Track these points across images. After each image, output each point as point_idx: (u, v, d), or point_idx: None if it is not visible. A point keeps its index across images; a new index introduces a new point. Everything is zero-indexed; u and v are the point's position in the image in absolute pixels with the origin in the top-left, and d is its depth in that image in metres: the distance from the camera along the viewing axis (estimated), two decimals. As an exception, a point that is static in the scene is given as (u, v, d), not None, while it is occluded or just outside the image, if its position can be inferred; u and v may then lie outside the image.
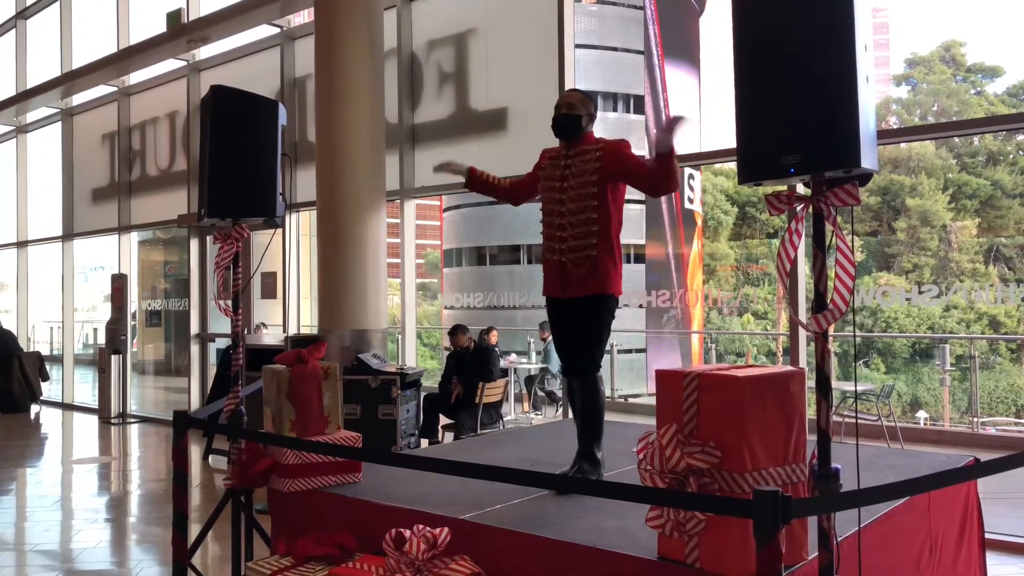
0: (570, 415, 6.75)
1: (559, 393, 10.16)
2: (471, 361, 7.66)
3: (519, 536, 2.76)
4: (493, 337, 9.68)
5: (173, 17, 9.50)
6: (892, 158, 28.08)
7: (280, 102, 4.07)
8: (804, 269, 5.74)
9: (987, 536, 4.18)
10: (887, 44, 42.33)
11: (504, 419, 7.90)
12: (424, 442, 7.18)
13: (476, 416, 7.27)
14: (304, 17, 9.01)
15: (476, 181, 3.83)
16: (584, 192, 3.43)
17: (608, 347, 4.42)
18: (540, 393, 11.60)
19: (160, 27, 9.72)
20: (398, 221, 8.08)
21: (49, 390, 12.68)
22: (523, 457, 4.08)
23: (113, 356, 10.56)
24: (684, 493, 2.27)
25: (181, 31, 9.38)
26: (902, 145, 27.59)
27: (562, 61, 6.80)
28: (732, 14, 2.41)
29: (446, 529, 2.78)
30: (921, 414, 21.20)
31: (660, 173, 3.32)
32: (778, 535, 1.89)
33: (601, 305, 3.47)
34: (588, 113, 3.58)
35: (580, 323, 3.50)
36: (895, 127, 25.85)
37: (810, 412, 2.40)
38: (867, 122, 2.19)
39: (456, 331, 7.92)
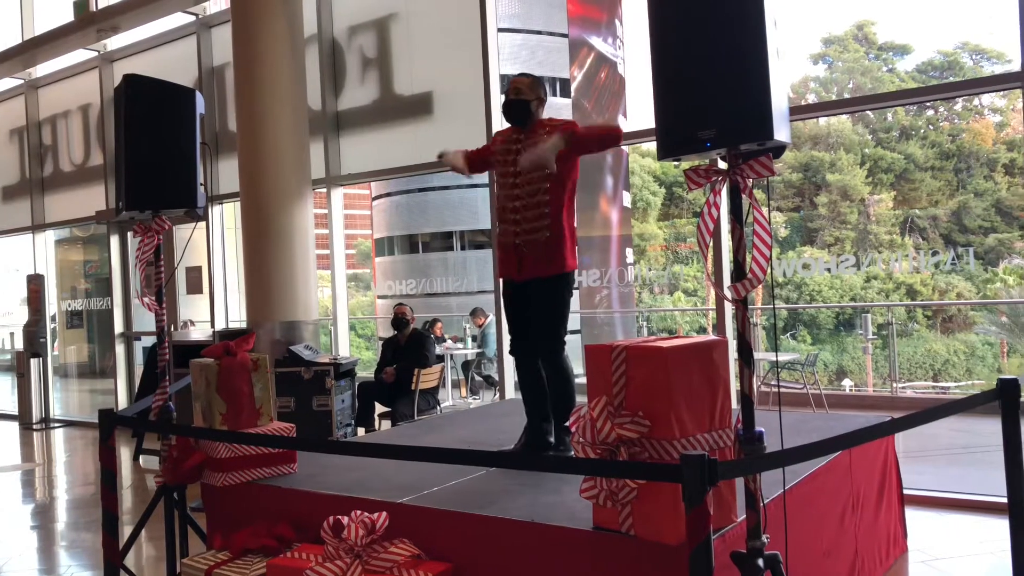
0: (507, 396, 6.82)
1: (496, 377, 10.22)
2: (406, 348, 7.62)
3: (457, 516, 2.79)
4: (438, 329, 9.63)
5: (81, 5, 9.14)
6: (812, 135, 28.84)
7: (198, 90, 3.97)
8: (728, 243, 5.88)
9: (908, 492, 4.39)
10: (802, 23, 43.27)
11: (441, 405, 7.90)
12: (360, 431, 7.14)
13: (413, 403, 7.24)
14: (221, 4, 8.77)
15: (472, 165, 3.76)
16: (536, 175, 3.46)
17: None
18: (477, 378, 11.64)
19: (68, 16, 9.35)
20: (326, 211, 7.98)
21: (-35, 398, 12.17)
22: (460, 439, 4.11)
23: (32, 360, 10.20)
24: (615, 462, 2.33)
25: (90, 20, 9.02)
26: (821, 122, 28.36)
27: (485, 44, 6.79)
28: (647, -8, 2.45)
29: (384, 514, 2.78)
30: (847, 382, 21.91)
31: (593, 132, 3.48)
32: (706, 498, 1.95)
33: (558, 283, 3.54)
34: (537, 97, 3.63)
35: (539, 304, 3.56)
36: (813, 103, 26.53)
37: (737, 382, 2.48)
38: (779, 96, 2.25)
39: (401, 304, 7.85)
